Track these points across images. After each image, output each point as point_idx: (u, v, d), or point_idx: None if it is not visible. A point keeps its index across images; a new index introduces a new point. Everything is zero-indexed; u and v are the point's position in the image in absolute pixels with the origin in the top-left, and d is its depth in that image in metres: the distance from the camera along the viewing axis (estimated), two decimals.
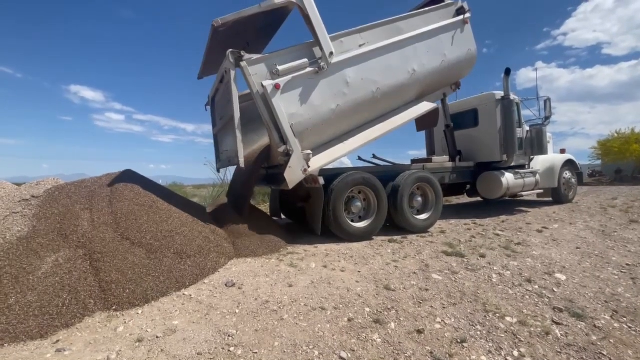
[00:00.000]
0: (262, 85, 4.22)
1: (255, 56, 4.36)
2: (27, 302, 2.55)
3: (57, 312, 2.54)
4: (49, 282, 2.73)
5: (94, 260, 3.00)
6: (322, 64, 4.56)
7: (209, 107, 6.23)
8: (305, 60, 4.55)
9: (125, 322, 2.57)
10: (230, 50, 4.25)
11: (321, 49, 4.53)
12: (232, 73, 4.30)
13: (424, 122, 7.29)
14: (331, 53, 4.59)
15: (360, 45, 5.11)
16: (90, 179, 4.23)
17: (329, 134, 4.99)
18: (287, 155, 4.42)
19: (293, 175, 4.48)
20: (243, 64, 4.23)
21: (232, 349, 2.21)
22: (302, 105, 4.52)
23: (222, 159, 5.89)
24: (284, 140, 4.40)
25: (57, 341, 2.34)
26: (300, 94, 4.50)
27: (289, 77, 4.37)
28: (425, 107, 6.07)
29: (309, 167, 4.56)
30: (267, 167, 5.48)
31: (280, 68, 4.32)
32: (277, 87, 4.25)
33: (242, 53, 4.24)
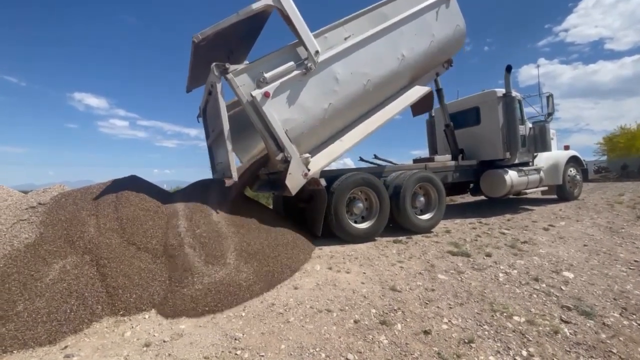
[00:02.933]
0: (252, 95, 4.15)
1: (240, 66, 4.30)
2: (36, 309, 2.57)
3: (65, 318, 2.57)
4: (57, 289, 2.75)
5: (100, 265, 3.02)
6: (309, 64, 4.46)
7: (200, 119, 6.19)
8: (292, 63, 4.47)
9: (132, 327, 2.59)
10: (215, 63, 4.20)
11: (306, 48, 4.44)
12: (219, 86, 4.25)
13: (420, 107, 7.18)
14: (317, 52, 4.48)
15: (346, 38, 4.99)
16: (96, 185, 4.27)
17: (325, 134, 4.94)
18: (286, 161, 4.37)
19: (294, 182, 4.44)
20: (229, 76, 4.19)
21: (238, 352, 2.21)
22: (295, 109, 4.45)
23: (218, 170, 5.88)
24: (280, 147, 4.34)
25: (66, 347, 2.36)
26: (291, 98, 4.43)
27: (277, 82, 4.29)
28: (418, 91, 5.95)
29: (309, 170, 4.52)
30: (268, 173, 5.46)
31: (267, 75, 4.24)
32: (266, 95, 4.18)
33: (227, 65, 4.18)
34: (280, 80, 4.32)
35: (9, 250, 3.09)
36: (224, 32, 4.17)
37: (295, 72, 4.43)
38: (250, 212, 4.50)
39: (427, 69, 6.30)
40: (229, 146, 4.28)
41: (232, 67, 4.23)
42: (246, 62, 5.87)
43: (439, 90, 7.37)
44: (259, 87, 4.24)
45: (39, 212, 3.57)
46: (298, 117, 4.48)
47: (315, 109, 4.62)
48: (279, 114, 4.31)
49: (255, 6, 4.13)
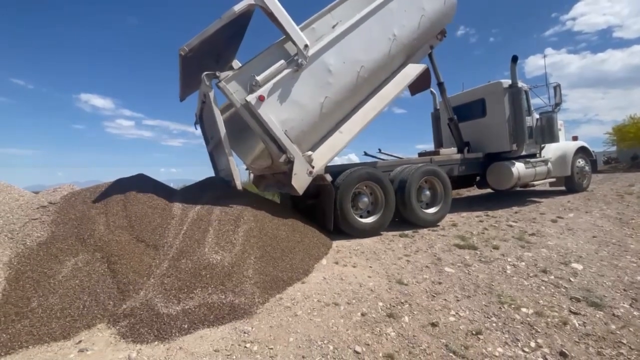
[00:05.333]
0: (246, 101, 4.09)
1: (230, 73, 4.25)
2: (49, 305, 2.64)
3: (78, 314, 2.62)
4: (70, 285, 2.81)
5: (111, 262, 3.07)
6: (300, 60, 4.33)
7: (198, 126, 6.07)
8: (282, 61, 4.36)
9: None
10: (205, 73, 4.16)
11: (294, 44, 4.30)
12: (211, 95, 4.21)
13: (417, 85, 6.98)
14: (306, 45, 4.33)
15: (334, 26, 4.85)
16: (104, 184, 4.33)
17: (325, 128, 4.86)
18: (289, 162, 4.34)
19: (300, 181, 4.42)
20: (221, 84, 4.15)
21: (248, 345, 2.25)
22: (291, 108, 4.36)
23: (221, 176, 5.85)
24: (282, 149, 4.30)
25: (80, 341, 2.42)
26: (286, 98, 4.33)
27: (270, 84, 4.19)
28: (414, 70, 5.75)
29: (313, 167, 4.50)
30: (273, 173, 5.44)
31: (258, 78, 4.14)
32: (261, 98, 4.09)
33: (217, 74, 4.15)
34: (273, 81, 4.22)
35: (22, 248, 3.16)
36: (209, 39, 4.09)
37: (287, 71, 4.32)
38: (265, 208, 4.47)
39: (421, 44, 6.07)
40: (230, 156, 4.26)
41: (222, 75, 4.17)
42: (236, 60, 5.80)
43: (440, 84, 7.28)
44: (252, 91, 4.14)
45: (50, 211, 3.64)
46: (296, 116, 4.39)
47: (311, 105, 4.53)
48: (276, 116, 4.24)
49: (238, 8, 4.03)
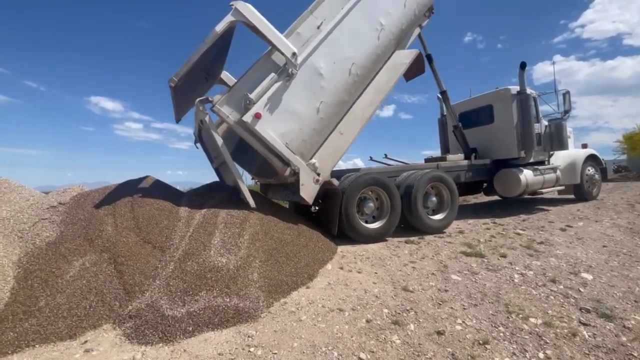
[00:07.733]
0: (243, 121, 4.07)
1: (223, 96, 4.23)
2: (57, 304, 2.66)
3: (85, 314, 2.64)
4: (77, 285, 2.84)
5: (118, 263, 3.10)
6: (290, 69, 4.28)
7: (199, 145, 5.96)
8: (273, 74, 4.31)
9: None
10: (198, 100, 4.17)
11: (282, 53, 4.26)
12: (207, 119, 4.19)
13: (412, 72, 6.75)
14: (294, 54, 4.27)
15: (319, 27, 4.74)
16: (113, 185, 4.38)
17: (325, 133, 4.80)
18: (295, 174, 4.32)
19: (308, 191, 4.41)
20: (215, 108, 4.15)
21: (252, 349, 2.24)
22: (289, 120, 4.32)
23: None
24: (286, 162, 4.28)
25: (85, 342, 2.43)
26: (282, 110, 4.29)
27: (264, 99, 4.16)
28: (407, 57, 5.51)
29: (319, 175, 4.49)
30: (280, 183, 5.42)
31: (252, 96, 4.12)
32: (257, 116, 4.08)
33: (210, 98, 4.15)
34: (266, 96, 4.20)
35: (31, 248, 3.21)
36: (196, 64, 4.06)
37: (279, 83, 4.28)
38: (271, 212, 4.47)
39: (410, 28, 5.87)
40: (240, 180, 4.22)
41: (215, 98, 4.17)
42: (225, 72, 5.81)
43: (443, 93, 7.26)
44: (247, 109, 4.12)
45: (59, 212, 3.69)
46: (294, 126, 4.37)
47: (308, 113, 4.48)
48: (275, 130, 4.22)
49: (219, 28, 3.98)
